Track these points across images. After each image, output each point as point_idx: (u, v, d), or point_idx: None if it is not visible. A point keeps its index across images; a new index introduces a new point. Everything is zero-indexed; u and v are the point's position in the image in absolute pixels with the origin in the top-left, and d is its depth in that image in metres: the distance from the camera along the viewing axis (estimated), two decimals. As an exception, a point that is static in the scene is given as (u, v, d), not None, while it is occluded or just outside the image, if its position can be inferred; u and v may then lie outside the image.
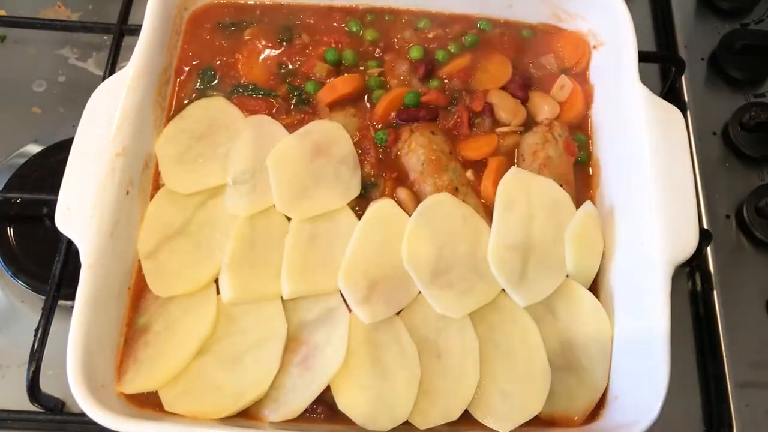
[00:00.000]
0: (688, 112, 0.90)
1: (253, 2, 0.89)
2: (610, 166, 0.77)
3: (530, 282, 0.70)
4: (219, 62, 0.85)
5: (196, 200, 0.75)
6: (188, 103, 0.82)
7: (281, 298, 0.70)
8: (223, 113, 0.80)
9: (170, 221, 0.74)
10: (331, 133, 0.79)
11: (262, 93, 0.83)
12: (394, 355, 0.67)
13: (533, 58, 0.86)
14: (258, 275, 0.70)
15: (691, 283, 0.84)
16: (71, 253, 0.76)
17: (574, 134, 0.82)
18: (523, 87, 0.83)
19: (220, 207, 0.74)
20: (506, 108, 0.81)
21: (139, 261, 0.73)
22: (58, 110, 0.96)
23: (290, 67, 0.85)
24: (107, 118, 0.72)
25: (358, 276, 0.70)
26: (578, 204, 0.75)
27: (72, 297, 0.66)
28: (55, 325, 0.73)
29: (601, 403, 0.68)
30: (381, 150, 0.80)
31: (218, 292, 0.71)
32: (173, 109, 0.82)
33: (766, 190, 0.87)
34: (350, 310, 0.69)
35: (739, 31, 0.99)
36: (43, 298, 0.74)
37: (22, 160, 0.89)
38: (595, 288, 0.74)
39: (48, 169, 0.87)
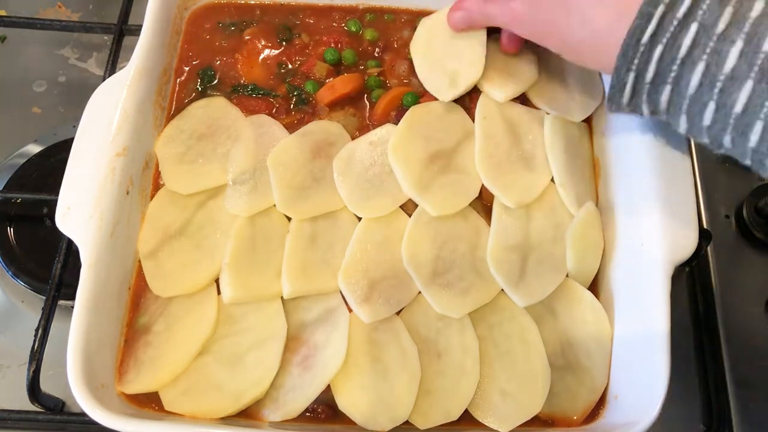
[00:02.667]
0: (688, 112, 0.90)
1: (252, 2, 0.89)
2: (610, 166, 0.77)
3: (529, 282, 0.70)
4: (219, 62, 0.85)
5: (197, 200, 0.75)
6: (188, 103, 0.82)
7: (281, 298, 0.70)
8: (223, 113, 0.80)
9: (170, 221, 0.74)
10: (331, 133, 0.79)
11: (261, 93, 0.83)
12: (394, 355, 0.67)
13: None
14: (258, 275, 0.70)
15: (691, 283, 0.84)
16: (71, 253, 0.76)
17: (574, 134, 0.82)
18: (523, 87, 0.82)
19: (220, 207, 0.74)
20: (506, 108, 0.81)
21: (140, 261, 0.73)
22: (58, 110, 0.96)
23: (290, 66, 0.85)
24: (107, 118, 0.72)
25: (358, 275, 0.70)
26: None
27: (72, 297, 0.66)
28: (55, 325, 0.73)
29: (600, 402, 0.68)
30: (381, 150, 0.80)
31: (219, 292, 0.71)
32: (173, 109, 0.82)
33: (765, 190, 0.86)
34: (350, 310, 0.69)
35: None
36: (43, 298, 0.74)
37: (22, 160, 0.89)
38: (595, 288, 0.74)
39: (48, 169, 0.87)
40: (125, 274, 0.71)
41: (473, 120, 0.79)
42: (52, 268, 0.76)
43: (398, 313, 0.70)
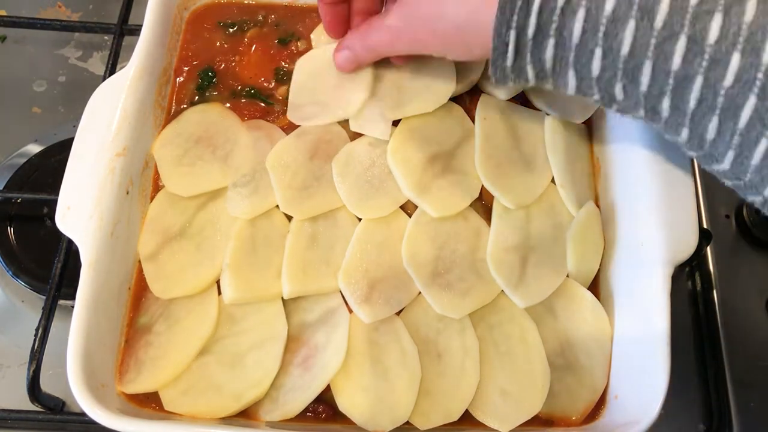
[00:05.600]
0: (688, 112, 0.90)
1: (253, 2, 0.89)
2: (610, 167, 0.77)
3: (529, 283, 0.70)
4: (219, 62, 0.85)
5: (197, 202, 0.75)
6: (189, 104, 0.82)
7: (282, 298, 0.70)
8: (220, 117, 0.80)
9: (171, 223, 0.74)
10: (328, 131, 0.78)
11: (261, 95, 0.82)
12: (394, 355, 0.67)
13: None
14: (259, 276, 0.70)
15: (691, 283, 0.84)
16: (71, 252, 0.76)
17: (574, 134, 0.82)
18: (523, 87, 0.82)
19: (220, 209, 0.74)
20: (507, 108, 0.81)
21: (140, 261, 0.73)
22: (59, 110, 0.96)
23: (289, 68, 0.85)
24: (107, 118, 0.72)
25: (358, 276, 0.70)
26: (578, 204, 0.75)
27: (72, 297, 0.66)
28: (55, 325, 0.73)
29: (600, 402, 0.68)
30: (381, 150, 0.79)
31: (219, 293, 0.71)
32: (173, 109, 0.82)
33: (765, 190, 0.86)
34: (351, 311, 0.69)
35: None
36: (43, 297, 0.74)
37: (22, 160, 0.89)
38: (595, 288, 0.74)
39: (48, 169, 0.87)
40: (125, 274, 0.71)
41: (473, 121, 0.79)
42: (52, 268, 0.75)
43: (398, 313, 0.70)
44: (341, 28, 0.78)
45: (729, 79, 0.49)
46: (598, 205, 0.76)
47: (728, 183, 0.56)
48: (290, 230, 0.73)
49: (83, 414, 0.61)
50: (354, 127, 0.77)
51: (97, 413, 0.60)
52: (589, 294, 0.71)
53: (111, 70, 0.88)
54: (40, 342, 0.71)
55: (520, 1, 0.54)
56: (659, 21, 0.50)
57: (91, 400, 0.61)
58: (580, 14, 0.52)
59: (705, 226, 0.85)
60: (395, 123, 0.78)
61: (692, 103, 0.52)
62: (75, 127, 0.73)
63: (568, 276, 0.72)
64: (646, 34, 0.50)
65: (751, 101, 0.49)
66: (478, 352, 0.68)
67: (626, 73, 0.53)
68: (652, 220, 0.67)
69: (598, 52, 0.53)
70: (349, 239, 0.72)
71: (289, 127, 0.79)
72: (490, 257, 0.71)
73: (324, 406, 0.67)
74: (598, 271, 0.73)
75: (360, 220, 0.74)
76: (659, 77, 0.52)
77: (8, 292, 0.84)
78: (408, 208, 0.75)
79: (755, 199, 0.54)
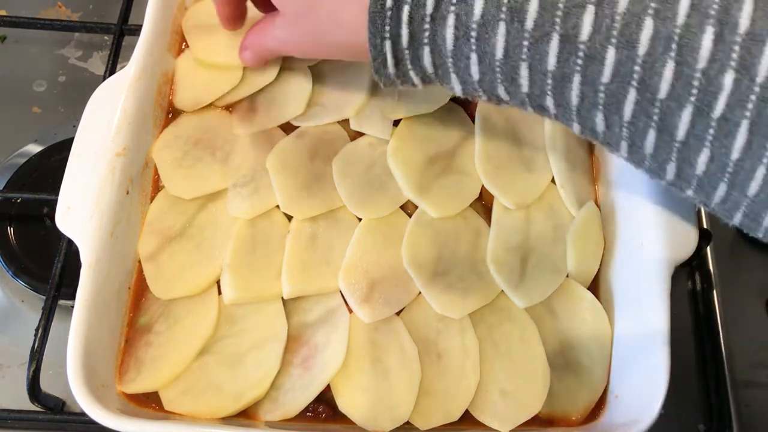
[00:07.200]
0: (688, 112, 0.90)
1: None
2: (610, 166, 0.77)
3: (529, 284, 0.70)
4: (219, 62, 0.85)
5: (197, 203, 0.75)
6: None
7: (282, 298, 0.70)
8: (218, 119, 0.80)
9: (171, 223, 0.74)
10: (328, 132, 0.79)
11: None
12: (394, 355, 0.67)
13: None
14: (259, 276, 0.70)
15: (691, 283, 0.84)
16: (71, 252, 0.76)
17: (574, 134, 0.81)
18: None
19: (220, 209, 0.74)
20: (506, 108, 0.81)
21: (140, 261, 0.73)
22: (59, 110, 0.96)
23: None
24: (107, 118, 0.72)
25: (358, 276, 0.70)
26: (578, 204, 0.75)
27: (72, 297, 0.66)
28: (55, 325, 0.73)
29: (600, 402, 0.68)
30: (381, 150, 0.79)
31: (219, 293, 0.71)
32: (173, 109, 0.82)
33: (766, 190, 0.86)
34: (351, 311, 0.69)
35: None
36: (43, 297, 0.74)
37: (22, 160, 0.89)
38: (595, 288, 0.74)
39: (48, 169, 0.87)
40: (125, 274, 0.71)
41: (473, 121, 0.79)
42: (52, 268, 0.75)
43: (398, 313, 0.70)
44: (236, 23, 0.79)
45: (606, 75, 0.47)
46: (598, 205, 0.77)
47: (633, 167, 0.57)
48: (290, 230, 0.73)
49: (83, 414, 0.61)
50: (354, 126, 0.77)
51: (97, 413, 0.60)
52: (589, 294, 0.71)
53: (111, 70, 0.88)
54: (40, 342, 0.71)
55: (390, 11, 0.52)
56: (530, 22, 0.48)
57: (91, 400, 0.61)
58: (450, 20, 0.51)
59: (705, 226, 0.85)
60: (395, 123, 0.78)
61: (575, 100, 0.50)
62: (75, 127, 0.73)
63: (568, 276, 0.72)
64: (518, 36, 0.48)
65: (632, 95, 0.48)
66: (478, 352, 0.68)
67: (505, 77, 0.52)
68: (652, 220, 0.67)
69: (474, 58, 0.52)
70: (349, 239, 0.72)
71: (289, 128, 0.80)
72: (490, 257, 0.71)
73: (324, 406, 0.67)
74: (598, 271, 0.73)
75: (360, 220, 0.74)
76: (537, 78, 0.50)
77: (8, 292, 0.84)
78: (408, 208, 0.75)
79: (660, 182, 0.55)
